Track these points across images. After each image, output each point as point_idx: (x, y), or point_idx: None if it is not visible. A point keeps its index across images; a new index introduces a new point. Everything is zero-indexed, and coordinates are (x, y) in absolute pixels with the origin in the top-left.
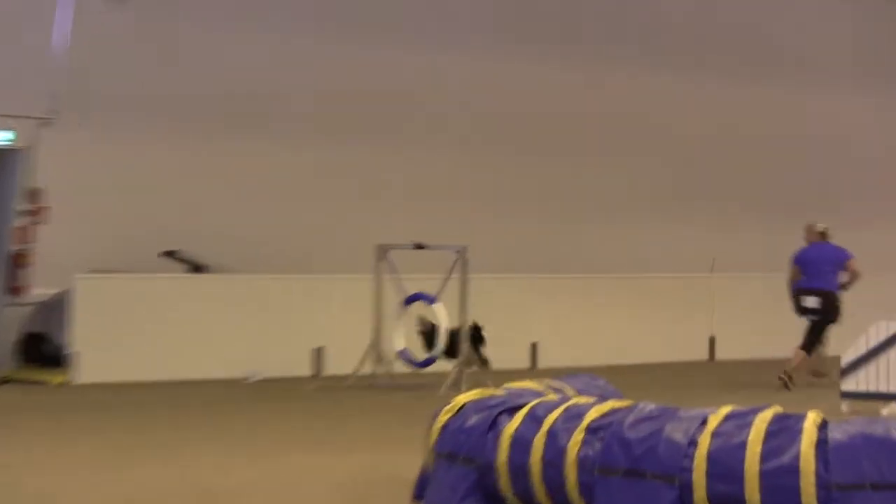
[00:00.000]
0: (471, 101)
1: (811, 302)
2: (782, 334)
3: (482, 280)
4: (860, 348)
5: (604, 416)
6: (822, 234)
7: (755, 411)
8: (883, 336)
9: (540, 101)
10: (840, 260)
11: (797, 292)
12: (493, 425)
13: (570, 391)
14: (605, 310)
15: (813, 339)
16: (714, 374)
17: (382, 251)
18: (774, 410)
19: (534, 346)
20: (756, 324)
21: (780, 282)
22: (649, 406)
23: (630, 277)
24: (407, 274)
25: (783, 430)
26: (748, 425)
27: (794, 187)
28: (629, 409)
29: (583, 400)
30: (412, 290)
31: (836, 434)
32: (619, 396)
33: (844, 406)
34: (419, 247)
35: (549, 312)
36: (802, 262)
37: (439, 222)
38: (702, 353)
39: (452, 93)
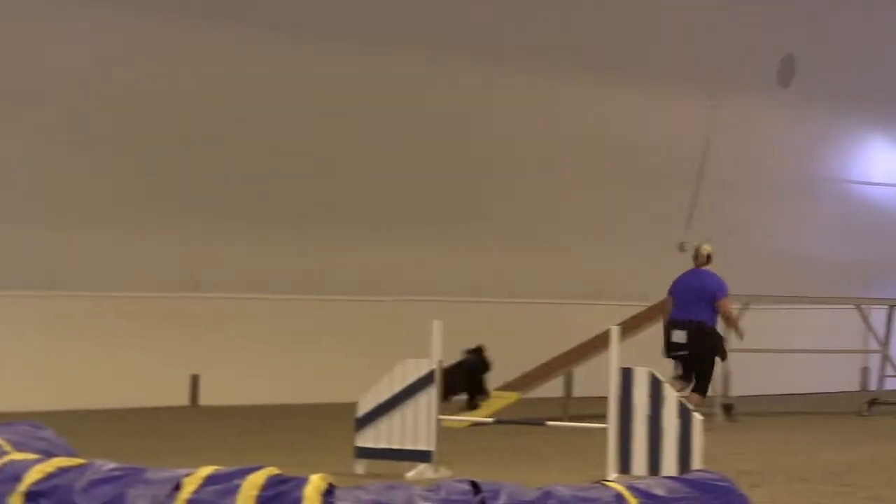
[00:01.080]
0: None
1: (678, 336)
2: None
3: None
4: (381, 394)
5: (48, 477)
6: (698, 259)
7: (244, 473)
8: (411, 378)
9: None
10: (708, 292)
11: (666, 326)
12: None
13: (4, 445)
14: (57, 336)
15: (703, 382)
16: (197, 422)
17: None
18: (268, 472)
19: None
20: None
21: (285, 305)
22: (107, 465)
23: (95, 296)
24: None
25: (278, 498)
26: (234, 491)
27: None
28: (82, 470)
29: (21, 456)
30: None
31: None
32: (70, 453)
33: (360, 466)
34: None
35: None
36: (673, 292)
37: None
38: (182, 397)
39: None
